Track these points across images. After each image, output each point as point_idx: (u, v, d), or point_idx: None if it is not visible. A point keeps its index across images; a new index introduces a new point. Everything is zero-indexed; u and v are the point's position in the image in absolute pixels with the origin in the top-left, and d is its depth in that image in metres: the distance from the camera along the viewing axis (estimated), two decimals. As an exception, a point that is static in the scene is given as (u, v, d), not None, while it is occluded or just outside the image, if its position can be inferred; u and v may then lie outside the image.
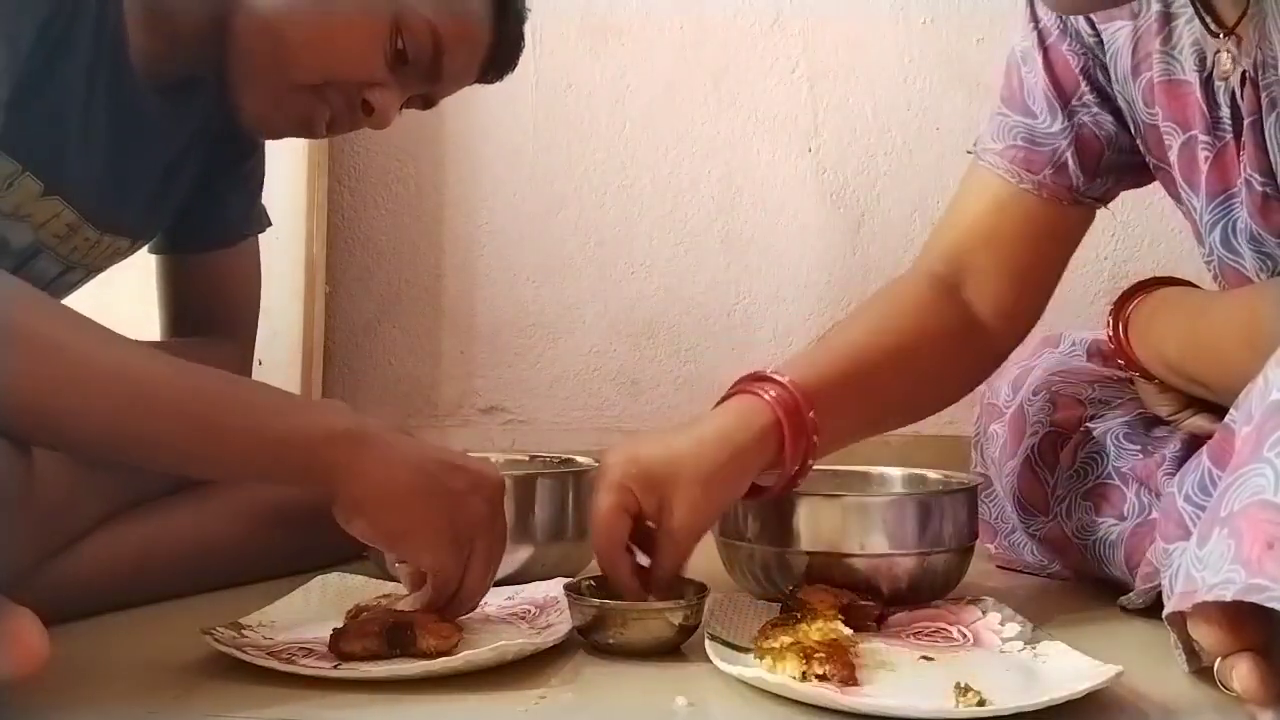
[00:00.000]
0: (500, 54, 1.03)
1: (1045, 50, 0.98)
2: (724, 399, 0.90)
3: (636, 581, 0.83)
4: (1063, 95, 0.98)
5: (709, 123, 1.73)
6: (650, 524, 0.83)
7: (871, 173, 1.72)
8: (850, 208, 1.72)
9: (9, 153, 0.86)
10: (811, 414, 0.86)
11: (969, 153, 1.04)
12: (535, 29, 1.12)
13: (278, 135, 1.06)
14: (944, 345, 0.99)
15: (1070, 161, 0.98)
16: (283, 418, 0.74)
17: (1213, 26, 0.85)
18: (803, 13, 1.72)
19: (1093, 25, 0.95)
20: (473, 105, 1.71)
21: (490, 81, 1.06)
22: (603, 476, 0.83)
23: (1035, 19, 0.99)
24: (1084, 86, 0.97)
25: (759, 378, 0.89)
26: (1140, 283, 0.98)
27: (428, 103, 1.04)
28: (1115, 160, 0.98)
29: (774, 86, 1.72)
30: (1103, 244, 1.67)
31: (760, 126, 1.73)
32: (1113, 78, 0.95)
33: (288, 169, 1.23)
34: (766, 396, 0.87)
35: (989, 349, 1.03)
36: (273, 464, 0.74)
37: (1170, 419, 0.96)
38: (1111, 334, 0.97)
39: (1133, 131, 0.97)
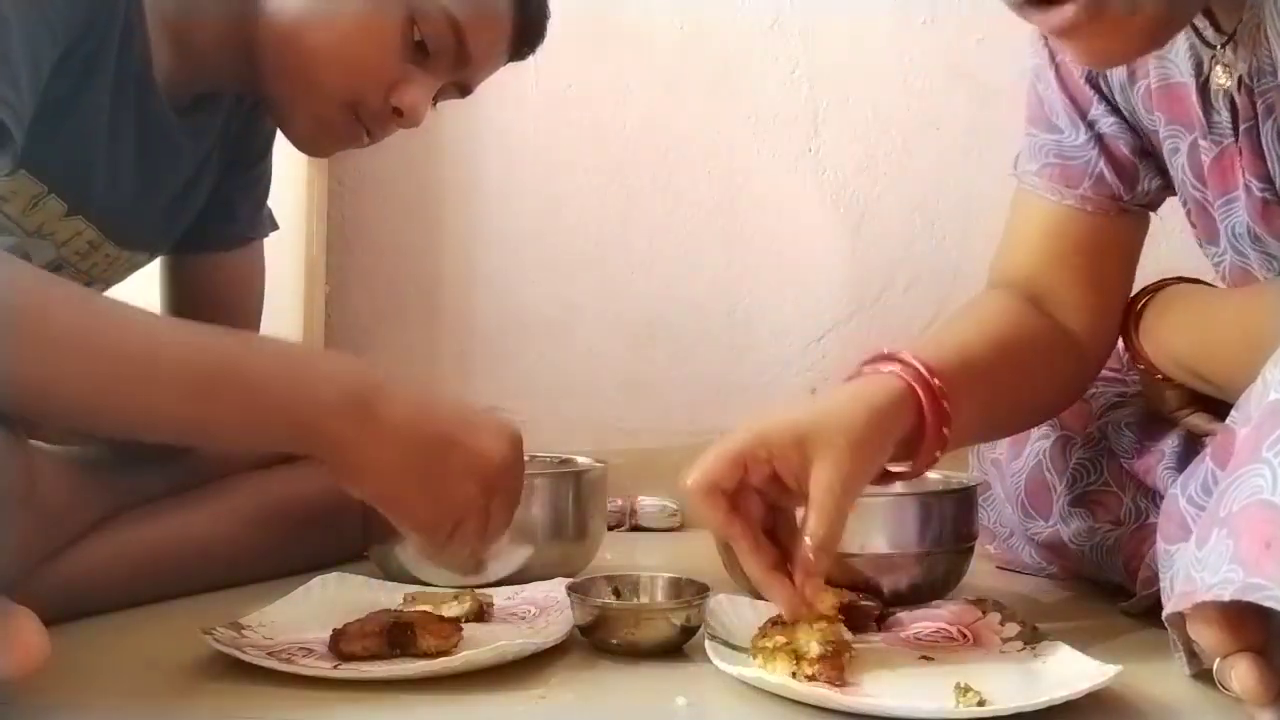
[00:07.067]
0: (526, 27, 1.00)
1: (1056, 65, 0.98)
2: (849, 379, 0.84)
3: (769, 555, 0.75)
4: (1080, 107, 0.97)
5: (709, 123, 1.73)
6: (785, 492, 0.76)
7: (871, 173, 1.71)
8: (850, 208, 1.71)
9: (35, 174, 0.86)
10: (939, 382, 0.80)
11: (1011, 175, 1.03)
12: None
13: (327, 153, 1.06)
14: (1046, 347, 0.95)
15: (1106, 171, 0.96)
16: (282, 385, 0.72)
17: (1208, 35, 0.85)
18: (803, 13, 1.72)
19: None
20: (473, 105, 1.67)
21: (523, 57, 1.04)
22: (726, 436, 0.75)
23: (1043, 35, 0.98)
24: (1094, 95, 0.96)
25: (880, 357, 0.83)
26: (1152, 283, 0.98)
27: (464, 90, 1.02)
28: (1150, 165, 0.97)
29: (774, 86, 1.72)
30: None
31: (760, 126, 1.72)
32: (1112, 85, 0.95)
33: (288, 169, 1.23)
34: (892, 369, 0.81)
35: (1086, 357, 0.98)
36: (270, 435, 0.74)
37: (1172, 415, 0.96)
38: (1121, 329, 0.97)
39: (1141, 136, 0.96)
